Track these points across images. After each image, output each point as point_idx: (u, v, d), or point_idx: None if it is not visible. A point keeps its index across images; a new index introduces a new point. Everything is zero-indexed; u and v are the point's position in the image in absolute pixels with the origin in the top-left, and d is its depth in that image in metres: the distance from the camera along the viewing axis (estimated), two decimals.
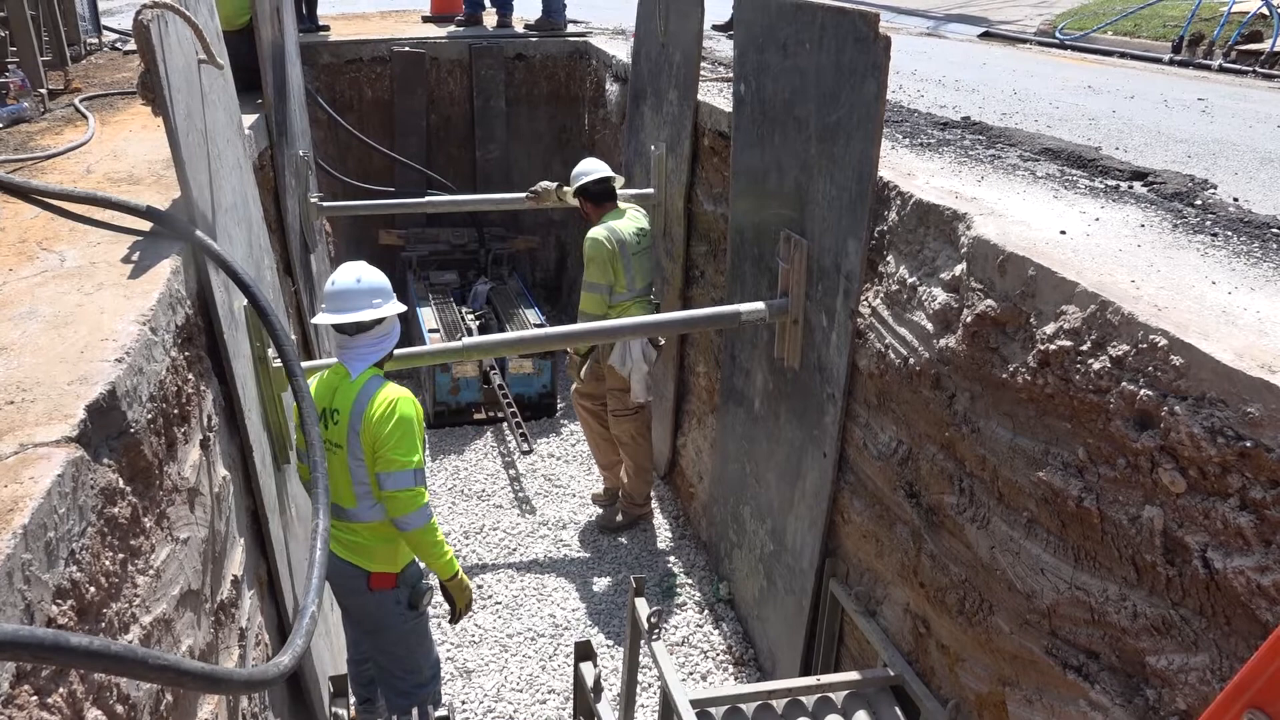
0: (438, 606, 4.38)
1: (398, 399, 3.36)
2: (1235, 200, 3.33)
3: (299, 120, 5.86)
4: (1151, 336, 2.20)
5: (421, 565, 3.68)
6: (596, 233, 5.25)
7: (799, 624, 4.14)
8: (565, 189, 5.43)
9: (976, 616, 2.94)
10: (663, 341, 5.65)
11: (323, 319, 3.42)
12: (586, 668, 3.61)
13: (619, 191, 5.51)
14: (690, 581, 5.45)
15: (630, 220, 5.36)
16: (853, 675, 3.45)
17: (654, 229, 6.12)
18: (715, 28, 8.41)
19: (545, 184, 5.55)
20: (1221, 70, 7.36)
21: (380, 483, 3.37)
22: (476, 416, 7.25)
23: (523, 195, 5.62)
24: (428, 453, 6.74)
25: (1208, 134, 4.68)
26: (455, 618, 3.72)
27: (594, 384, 5.69)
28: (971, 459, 2.91)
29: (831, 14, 3.50)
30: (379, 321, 3.41)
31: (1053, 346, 2.49)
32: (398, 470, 3.33)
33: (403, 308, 3.51)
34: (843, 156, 3.47)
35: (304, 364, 3.19)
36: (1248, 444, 1.97)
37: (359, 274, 3.42)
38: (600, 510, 6.10)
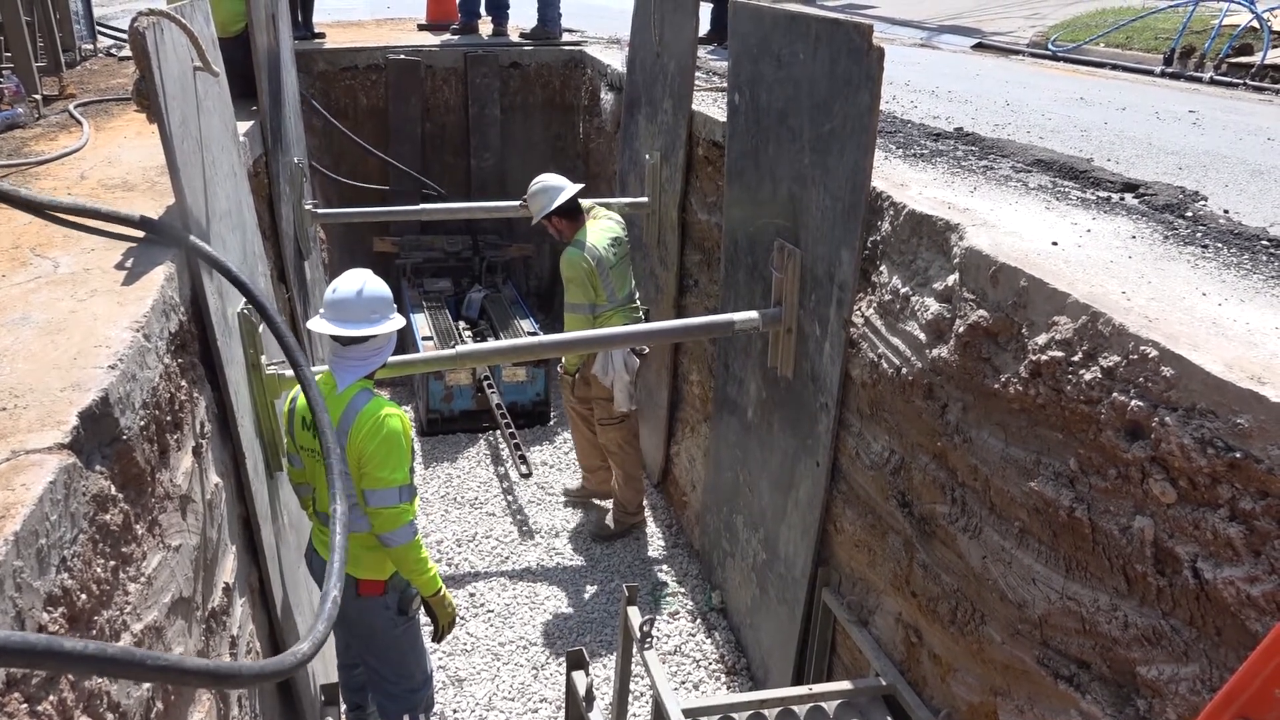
0: (460, 638, 4.43)
1: (384, 415, 3.30)
2: (1226, 212, 3.35)
3: (294, 127, 5.87)
4: (1142, 348, 2.21)
5: None
6: (571, 253, 5.17)
7: (791, 633, 4.14)
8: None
9: (968, 626, 2.94)
10: (646, 350, 5.64)
11: (316, 325, 3.36)
12: (578, 676, 3.61)
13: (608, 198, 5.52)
14: (683, 590, 5.45)
15: (603, 232, 5.28)
16: (845, 685, 3.45)
17: (648, 238, 6.14)
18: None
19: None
20: (1212, 83, 7.40)
21: (365, 499, 3.35)
22: (469, 425, 7.24)
23: (517, 204, 5.63)
24: (420, 461, 6.73)
25: (1199, 146, 4.71)
26: (438, 635, 3.70)
27: (585, 389, 5.70)
28: (964, 469, 2.92)
29: (825, 25, 3.52)
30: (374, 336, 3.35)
31: (1044, 357, 2.51)
32: (383, 488, 3.31)
33: (401, 323, 3.43)
34: (836, 167, 3.49)
35: None
36: (1237, 455, 1.98)
37: (362, 284, 3.34)
38: (573, 504, 6.16)
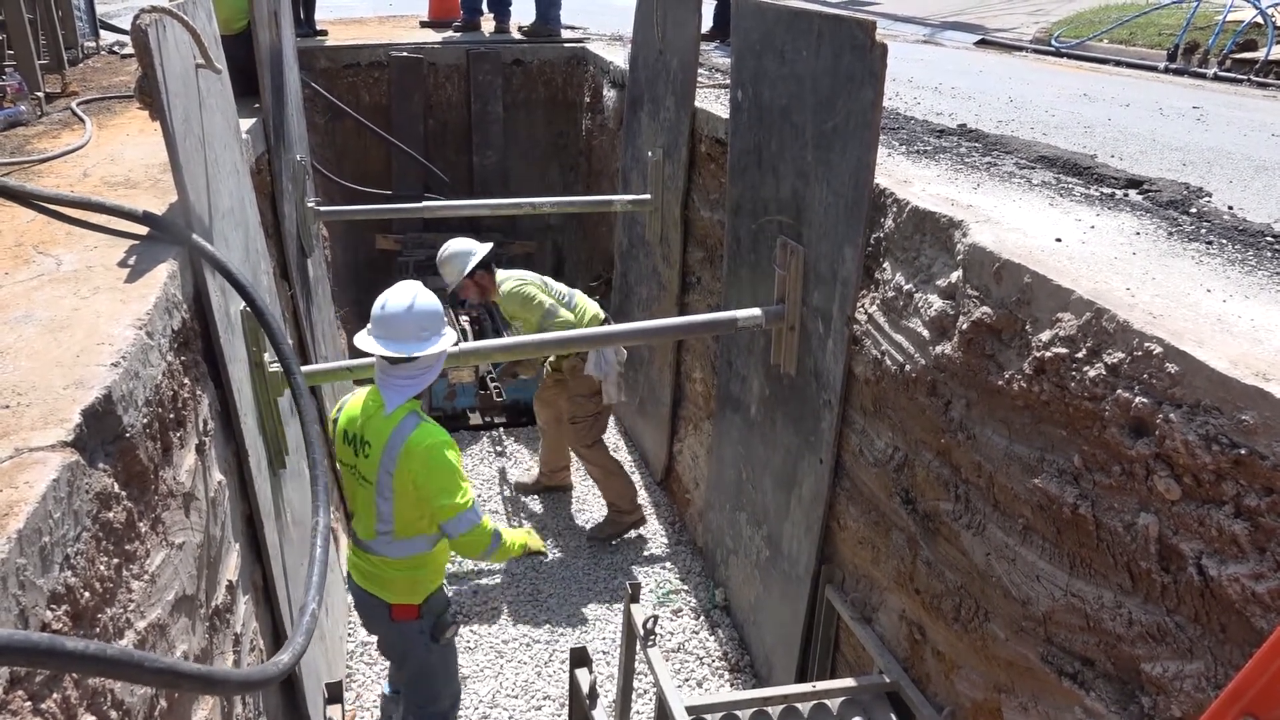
0: (464, 636, 4.67)
1: (432, 445, 3.21)
2: (1230, 208, 3.34)
3: (296, 124, 5.86)
4: (1146, 344, 2.21)
5: (448, 593, 3.71)
6: (509, 286, 5.26)
7: (795, 630, 4.13)
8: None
9: (972, 623, 2.94)
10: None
11: (364, 344, 3.24)
12: (582, 674, 3.61)
13: (615, 200, 5.53)
14: (686, 587, 5.44)
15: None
16: (848, 682, 3.45)
17: (651, 235, 6.14)
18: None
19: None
20: (1216, 78, 7.38)
21: (447, 533, 3.30)
22: (473, 422, 7.25)
23: (520, 201, 5.63)
24: None
25: (1203, 142, 4.70)
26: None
27: (557, 389, 5.79)
28: (967, 466, 2.92)
29: (829, 21, 3.51)
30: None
31: (1048, 354, 2.50)
32: (458, 515, 3.25)
33: (453, 339, 3.32)
34: (839, 163, 3.48)
35: (303, 369, 3.18)
36: (1242, 451, 1.98)
37: (413, 299, 3.21)
38: (534, 494, 6.29)
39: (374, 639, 4.91)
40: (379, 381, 3.33)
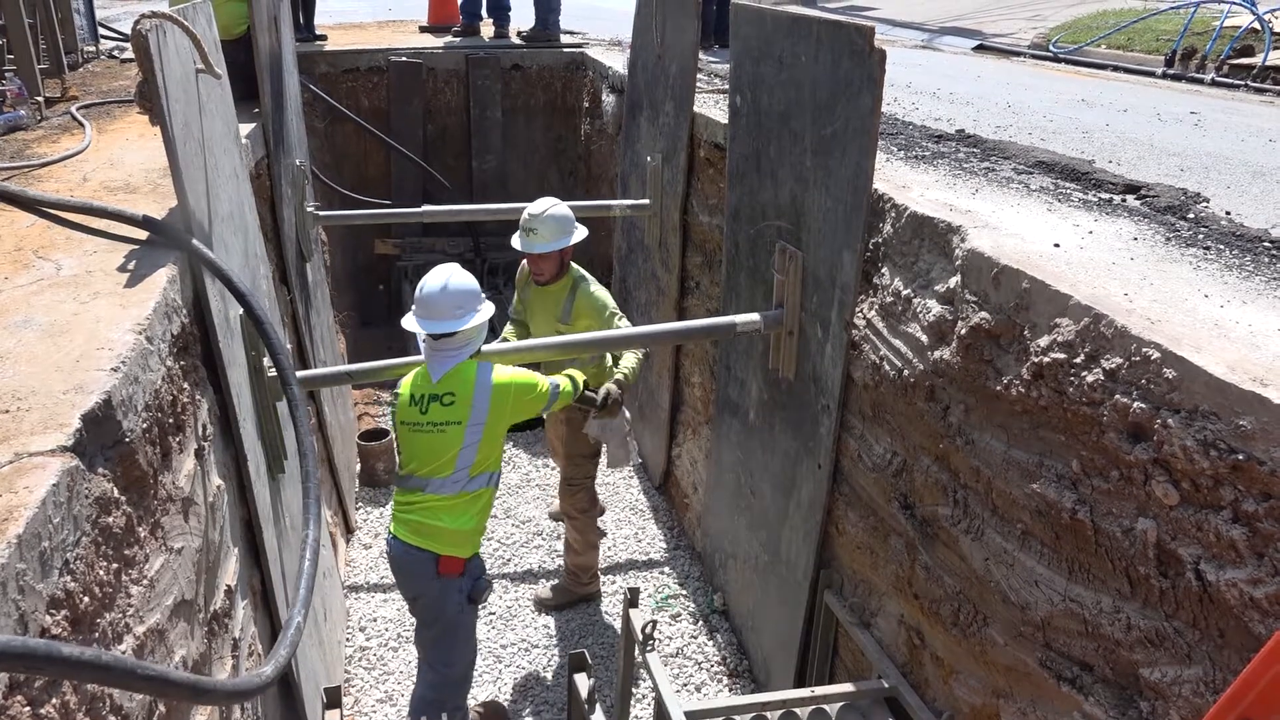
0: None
1: (512, 375, 3.70)
2: (1228, 214, 3.35)
3: (296, 129, 5.87)
4: (1144, 349, 2.21)
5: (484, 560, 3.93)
6: (597, 287, 4.72)
7: (793, 635, 4.13)
8: (614, 385, 4.56)
9: (971, 628, 2.94)
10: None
11: (410, 324, 3.62)
12: (581, 679, 3.60)
13: (610, 206, 5.48)
14: (685, 592, 5.44)
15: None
16: (847, 687, 3.44)
17: (650, 240, 6.15)
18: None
19: (610, 388, 4.55)
20: (1214, 84, 7.41)
21: (548, 409, 3.97)
22: None
23: (518, 206, 5.62)
24: None
25: (1200, 147, 4.71)
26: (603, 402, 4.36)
27: (572, 433, 5.01)
28: (966, 471, 2.92)
29: (827, 27, 3.52)
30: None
31: (1046, 359, 2.50)
32: (547, 398, 3.84)
33: (490, 311, 3.65)
34: (838, 168, 3.49)
35: (301, 374, 3.18)
36: (1240, 457, 1.98)
37: (446, 280, 3.57)
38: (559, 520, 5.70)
39: (372, 642, 4.95)
40: (427, 357, 3.67)
